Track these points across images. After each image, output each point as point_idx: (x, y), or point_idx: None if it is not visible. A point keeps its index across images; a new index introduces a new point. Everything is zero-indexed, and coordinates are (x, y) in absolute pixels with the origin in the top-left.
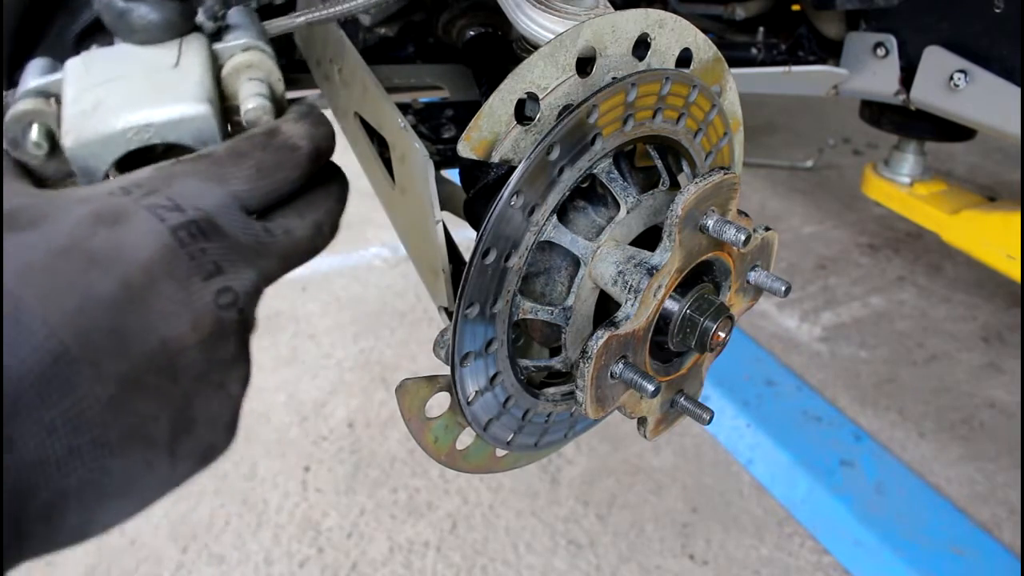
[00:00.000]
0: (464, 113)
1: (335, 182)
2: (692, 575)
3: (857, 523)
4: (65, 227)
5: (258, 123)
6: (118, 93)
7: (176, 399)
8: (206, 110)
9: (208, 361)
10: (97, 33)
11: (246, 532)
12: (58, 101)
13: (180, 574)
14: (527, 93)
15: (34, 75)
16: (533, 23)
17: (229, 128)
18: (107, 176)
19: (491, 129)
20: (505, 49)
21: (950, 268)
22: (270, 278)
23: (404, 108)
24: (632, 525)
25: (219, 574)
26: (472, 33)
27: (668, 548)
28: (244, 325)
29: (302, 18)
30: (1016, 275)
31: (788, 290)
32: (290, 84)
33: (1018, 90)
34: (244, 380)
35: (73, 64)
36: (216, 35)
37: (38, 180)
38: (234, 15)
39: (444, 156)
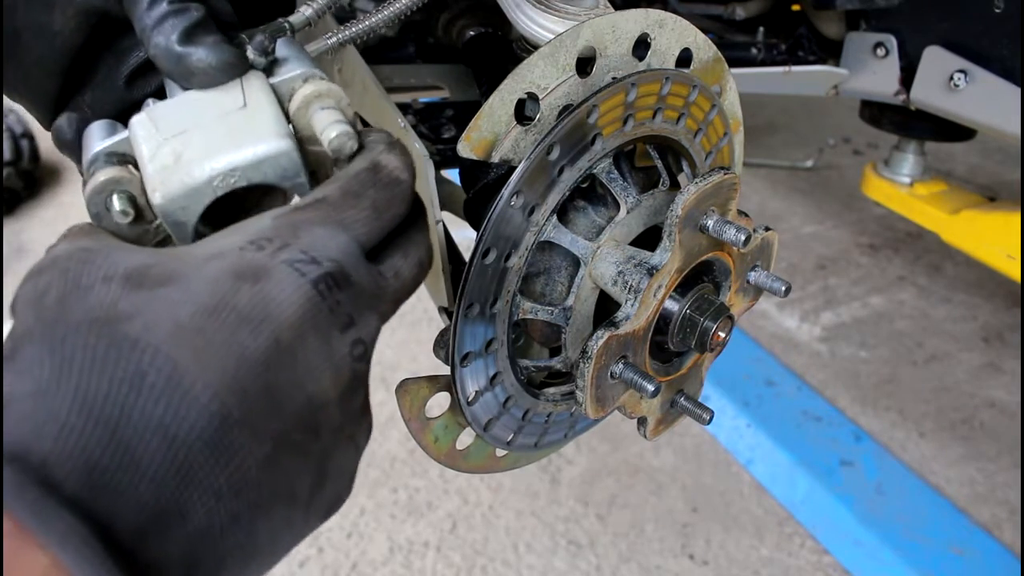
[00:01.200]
0: (464, 113)
1: (421, 214)
2: (692, 575)
3: (857, 523)
4: (205, 284)
5: (343, 150)
6: (195, 143)
7: (317, 455)
8: (288, 144)
9: (343, 414)
10: (148, 74)
11: None
12: (132, 163)
13: None
14: (527, 93)
15: (98, 139)
16: (533, 23)
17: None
18: (196, 229)
19: (491, 129)
20: (505, 49)
21: (950, 268)
22: (386, 321)
23: (404, 108)
24: (632, 525)
25: None
26: (472, 33)
27: (668, 548)
28: (368, 375)
29: (334, 39)
30: (1016, 275)
31: (788, 290)
32: None
33: (1018, 90)
34: (369, 432)
35: (140, 121)
36: (268, 70)
37: None
38: (281, 48)
39: (444, 156)
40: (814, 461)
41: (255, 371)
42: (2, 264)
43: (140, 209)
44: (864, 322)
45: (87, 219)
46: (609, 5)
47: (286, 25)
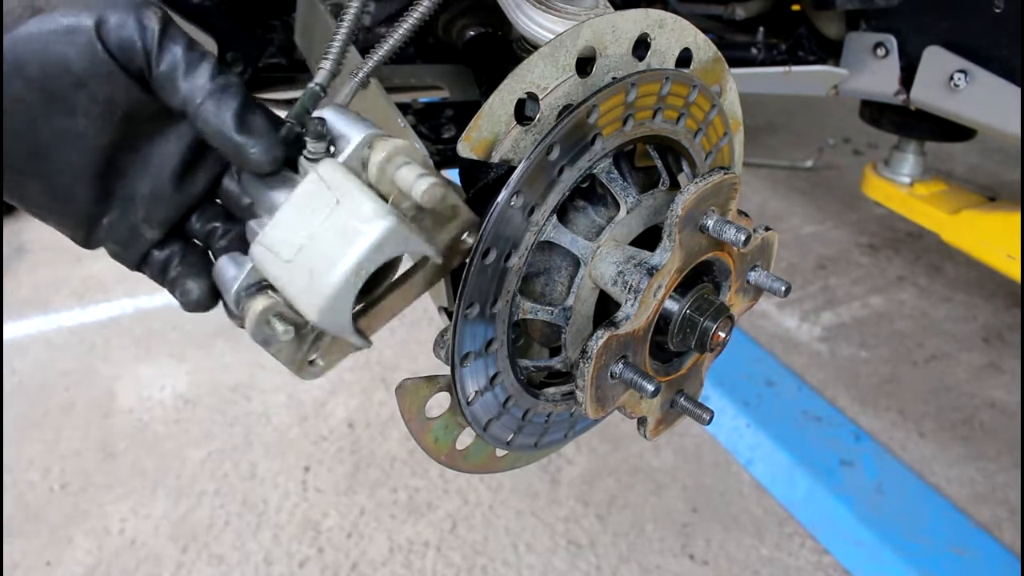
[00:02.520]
0: (464, 113)
1: None
2: (692, 575)
3: (857, 523)
4: None
5: (436, 200)
6: (318, 256)
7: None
8: (392, 222)
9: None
10: (192, 171)
11: (246, 532)
12: (269, 287)
13: (180, 574)
14: (527, 93)
15: (230, 276)
16: (533, 23)
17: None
18: (355, 318)
19: (491, 129)
20: (505, 49)
21: (950, 268)
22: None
23: (404, 108)
24: (632, 525)
25: (219, 574)
26: (472, 33)
27: (668, 548)
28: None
29: (360, 75)
30: (1016, 275)
31: (788, 290)
32: (290, 84)
33: (1018, 90)
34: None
35: (260, 253)
36: (330, 147)
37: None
38: (329, 117)
39: (444, 156)
40: (814, 461)
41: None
42: (2, 264)
43: (295, 322)
44: (864, 322)
45: None
46: (609, 5)
47: (317, 88)
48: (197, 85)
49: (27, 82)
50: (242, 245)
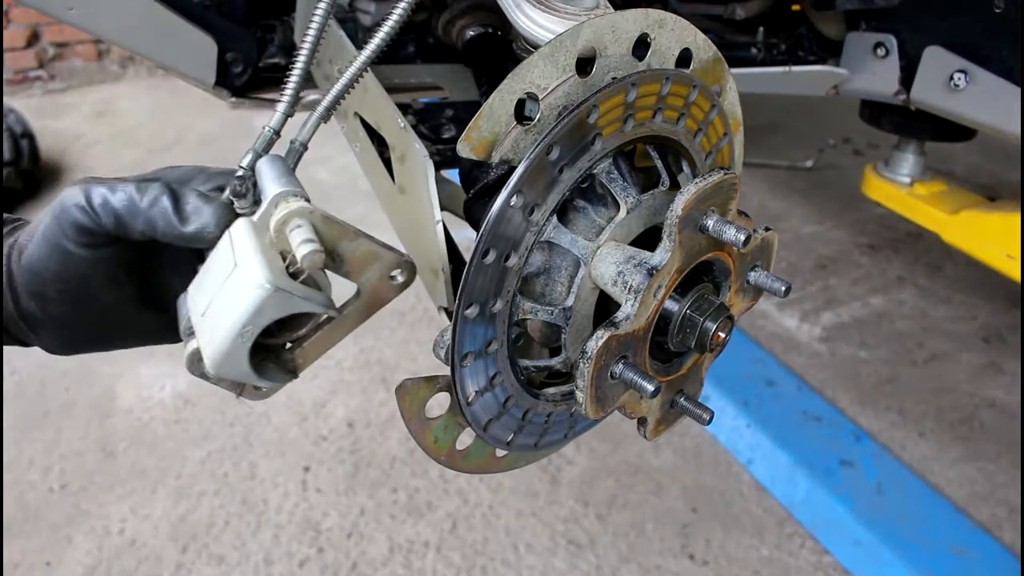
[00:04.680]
0: (464, 113)
1: None
2: (692, 575)
3: (857, 523)
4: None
5: (316, 266)
6: (213, 316)
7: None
8: (265, 290)
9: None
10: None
11: (246, 532)
12: None
13: (180, 574)
14: (527, 93)
15: (181, 313)
16: (533, 23)
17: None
18: (253, 364)
19: (491, 129)
20: (505, 49)
21: (950, 268)
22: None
23: (404, 108)
24: (632, 525)
25: (219, 574)
26: (472, 33)
27: (668, 548)
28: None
29: (328, 98)
30: (1016, 275)
31: (788, 290)
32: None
33: (1018, 90)
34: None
35: (189, 302)
36: (256, 203)
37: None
38: (260, 169)
39: (444, 156)
40: (814, 461)
41: None
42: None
43: None
44: (864, 322)
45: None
46: (609, 5)
47: (270, 132)
48: (136, 216)
49: (56, 295)
50: None
